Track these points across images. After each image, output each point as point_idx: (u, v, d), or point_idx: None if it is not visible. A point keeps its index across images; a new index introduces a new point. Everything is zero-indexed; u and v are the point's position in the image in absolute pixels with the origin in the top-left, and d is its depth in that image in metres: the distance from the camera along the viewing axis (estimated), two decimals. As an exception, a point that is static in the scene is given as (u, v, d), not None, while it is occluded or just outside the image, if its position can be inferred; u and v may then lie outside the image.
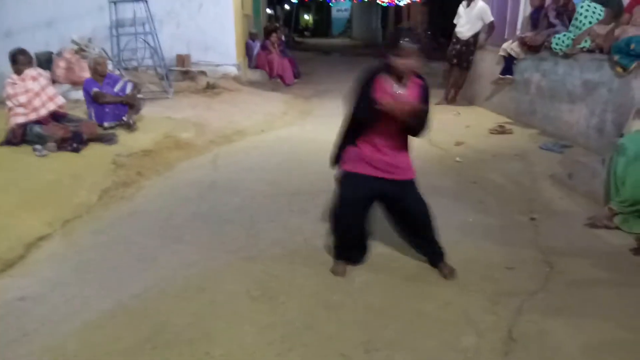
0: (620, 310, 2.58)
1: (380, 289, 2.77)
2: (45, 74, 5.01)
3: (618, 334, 2.41)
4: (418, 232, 2.89)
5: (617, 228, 3.47)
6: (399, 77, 2.62)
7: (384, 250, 3.12)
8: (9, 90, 4.59)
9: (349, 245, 2.93)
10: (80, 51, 7.71)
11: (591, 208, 3.79)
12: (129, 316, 2.52)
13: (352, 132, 2.76)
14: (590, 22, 5.45)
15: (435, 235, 2.89)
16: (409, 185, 2.79)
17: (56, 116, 4.82)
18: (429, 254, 2.95)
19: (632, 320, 2.50)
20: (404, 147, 2.78)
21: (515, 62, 6.86)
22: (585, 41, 5.44)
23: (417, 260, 3.02)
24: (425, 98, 2.65)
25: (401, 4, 20.53)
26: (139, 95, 5.76)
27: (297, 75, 11.35)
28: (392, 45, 2.52)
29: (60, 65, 7.42)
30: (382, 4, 22.93)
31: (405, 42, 2.48)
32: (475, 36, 7.99)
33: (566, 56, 5.71)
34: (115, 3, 8.08)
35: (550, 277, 2.89)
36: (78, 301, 2.66)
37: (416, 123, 2.62)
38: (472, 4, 7.87)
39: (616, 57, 4.75)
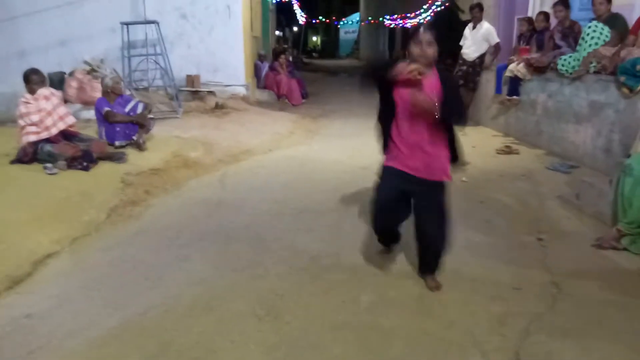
0: (629, 332, 2.55)
1: (386, 309, 2.76)
2: (58, 93, 5.10)
3: (627, 356, 2.37)
4: (419, 237, 2.92)
5: (625, 249, 3.45)
6: None
7: (389, 270, 3.11)
8: (22, 109, 4.68)
9: (384, 235, 3.21)
10: (92, 72, 7.85)
11: (599, 229, 3.77)
12: (135, 334, 2.53)
13: (385, 121, 2.87)
14: (596, 44, 5.49)
15: (438, 249, 2.91)
16: (434, 188, 2.83)
17: (67, 135, 4.90)
18: (421, 262, 3.00)
19: (641, 342, 2.46)
20: (438, 145, 2.79)
21: (521, 83, 6.90)
22: (591, 63, 5.47)
23: (423, 280, 3.01)
24: (445, 83, 2.73)
25: (408, 25, 20.75)
26: (150, 116, 5.84)
27: (304, 96, 11.46)
28: (412, 36, 2.77)
29: (72, 85, 7.55)
30: (390, 26, 23.19)
31: (422, 31, 2.74)
32: (481, 57, 8.08)
33: (572, 78, 5.74)
34: (127, 25, 8.26)
35: (558, 298, 2.87)
36: (84, 319, 2.67)
37: (445, 112, 2.66)
38: (478, 26, 7.97)
39: (622, 78, 4.77)
